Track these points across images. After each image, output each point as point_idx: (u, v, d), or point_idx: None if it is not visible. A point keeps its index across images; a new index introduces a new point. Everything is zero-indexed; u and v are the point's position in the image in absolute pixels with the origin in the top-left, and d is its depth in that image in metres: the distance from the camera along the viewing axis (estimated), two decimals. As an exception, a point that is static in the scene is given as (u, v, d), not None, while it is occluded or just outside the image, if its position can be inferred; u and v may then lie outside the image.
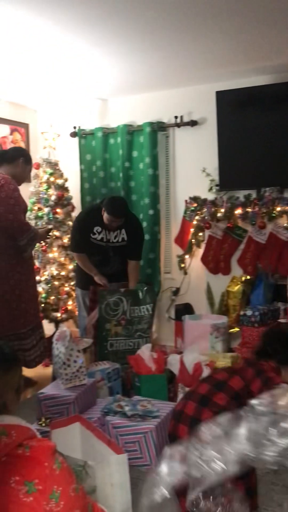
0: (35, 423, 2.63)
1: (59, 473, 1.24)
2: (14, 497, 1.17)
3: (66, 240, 4.43)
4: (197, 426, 1.64)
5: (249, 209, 4.08)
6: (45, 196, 4.42)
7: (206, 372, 2.93)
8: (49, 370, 3.96)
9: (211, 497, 1.58)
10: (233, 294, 4.15)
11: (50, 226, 4.03)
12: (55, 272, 4.34)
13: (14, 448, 1.22)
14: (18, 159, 3.41)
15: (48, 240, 4.00)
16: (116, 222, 3.59)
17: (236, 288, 4.13)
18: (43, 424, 2.65)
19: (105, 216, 3.55)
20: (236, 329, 4.07)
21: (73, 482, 1.29)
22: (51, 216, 4.38)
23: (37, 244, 4.29)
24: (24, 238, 3.29)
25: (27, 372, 3.69)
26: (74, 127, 4.98)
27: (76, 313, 4.44)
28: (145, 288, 3.64)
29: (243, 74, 4.05)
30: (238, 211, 4.13)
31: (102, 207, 3.59)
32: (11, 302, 3.36)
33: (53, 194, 4.43)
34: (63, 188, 4.54)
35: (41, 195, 4.44)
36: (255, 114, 4.03)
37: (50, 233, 3.91)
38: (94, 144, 4.86)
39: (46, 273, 4.35)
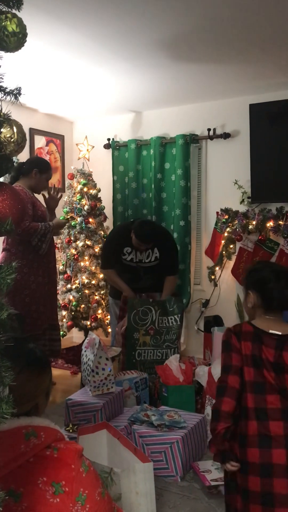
0: (62, 429, 2.66)
1: (86, 476, 1.24)
2: (42, 498, 1.19)
3: (97, 249, 4.49)
4: None
5: (281, 222, 4.04)
6: (78, 206, 4.51)
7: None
8: (77, 378, 4.01)
9: None
10: (263, 307, 4.10)
11: (67, 217, 4.04)
12: (86, 281, 4.41)
13: (42, 449, 1.23)
14: (32, 171, 3.56)
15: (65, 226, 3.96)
16: (145, 246, 3.62)
17: (267, 301, 4.08)
18: (71, 430, 2.69)
19: (134, 239, 3.58)
20: (266, 343, 4.02)
21: (99, 486, 1.29)
22: (84, 225, 4.46)
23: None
24: (34, 238, 3.42)
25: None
26: (108, 139, 5.07)
27: (106, 322, 4.49)
28: (173, 299, 3.65)
29: (276, 87, 4.05)
30: (270, 223, 4.10)
31: (131, 229, 3.61)
32: (31, 305, 3.46)
33: (86, 204, 4.51)
34: (96, 199, 4.62)
35: (74, 205, 4.53)
36: (288, 126, 4.02)
37: (68, 219, 3.91)
38: (127, 155, 4.93)
39: (77, 281, 4.42)
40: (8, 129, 0.99)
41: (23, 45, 1.03)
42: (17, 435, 1.22)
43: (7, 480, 1.19)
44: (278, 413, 1.61)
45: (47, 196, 3.77)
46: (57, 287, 4.49)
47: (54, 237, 4.55)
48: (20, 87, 1.02)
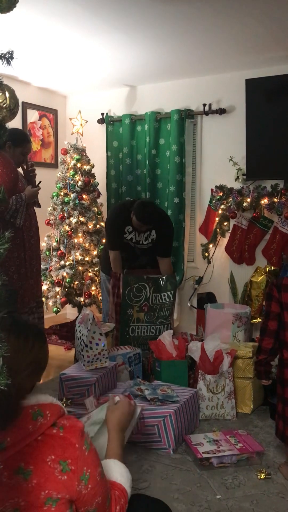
0: (57, 403, 2.68)
1: (88, 454, 1.28)
2: (51, 475, 1.22)
3: (91, 226, 4.47)
4: None
5: (275, 199, 4.03)
6: (72, 181, 4.46)
7: (227, 360, 2.93)
8: (71, 353, 4.03)
9: None
10: (256, 284, 4.12)
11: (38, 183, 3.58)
12: (79, 257, 4.39)
13: (49, 428, 1.25)
14: (5, 144, 3.27)
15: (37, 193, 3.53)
16: (145, 227, 3.60)
17: (260, 278, 4.10)
18: (64, 405, 2.71)
19: (134, 220, 3.54)
20: (259, 319, 4.05)
21: (99, 465, 1.32)
22: (77, 202, 4.42)
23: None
24: (6, 214, 3.22)
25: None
26: (102, 114, 4.99)
27: (99, 298, 4.49)
28: (166, 276, 3.66)
29: (273, 61, 3.99)
30: (265, 201, 4.08)
31: (131, 209, 3.55)
32: (18, 281, 3.40)
33: (79, 180, 4.46)
34: (89, 174, 4.57)
35: (67, 181, 4.48)
36: (285, 102, 3.96)
37: (38, 185, 3.61)
38: (121, 131, 4.86)
39: (70, 258, 4.40)
40: (0, 94, 0.96)
41: (15, 6, 0.98)
42: (25, 416, 1.24)
43: (16, 458, 1.22)
44: None
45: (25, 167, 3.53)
46: (51, 264, 4.48)
47: (48, 213, 4.51)
48: (12, 51, 0.98)
